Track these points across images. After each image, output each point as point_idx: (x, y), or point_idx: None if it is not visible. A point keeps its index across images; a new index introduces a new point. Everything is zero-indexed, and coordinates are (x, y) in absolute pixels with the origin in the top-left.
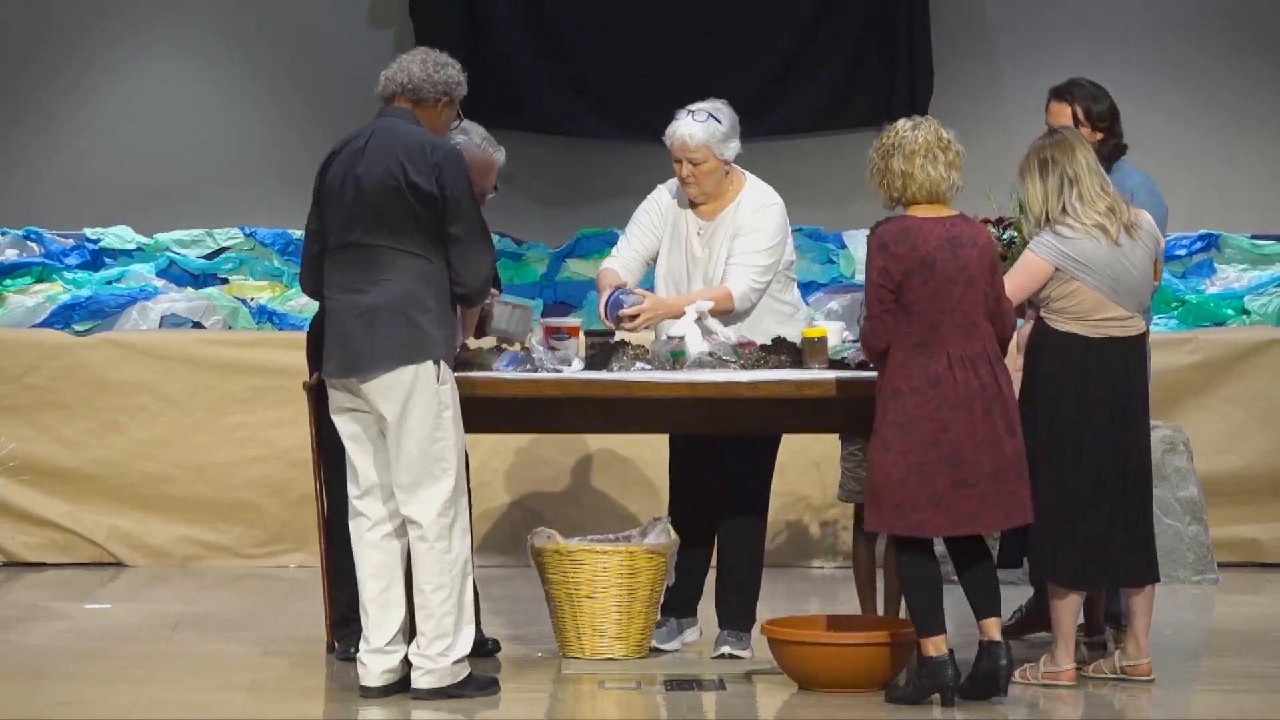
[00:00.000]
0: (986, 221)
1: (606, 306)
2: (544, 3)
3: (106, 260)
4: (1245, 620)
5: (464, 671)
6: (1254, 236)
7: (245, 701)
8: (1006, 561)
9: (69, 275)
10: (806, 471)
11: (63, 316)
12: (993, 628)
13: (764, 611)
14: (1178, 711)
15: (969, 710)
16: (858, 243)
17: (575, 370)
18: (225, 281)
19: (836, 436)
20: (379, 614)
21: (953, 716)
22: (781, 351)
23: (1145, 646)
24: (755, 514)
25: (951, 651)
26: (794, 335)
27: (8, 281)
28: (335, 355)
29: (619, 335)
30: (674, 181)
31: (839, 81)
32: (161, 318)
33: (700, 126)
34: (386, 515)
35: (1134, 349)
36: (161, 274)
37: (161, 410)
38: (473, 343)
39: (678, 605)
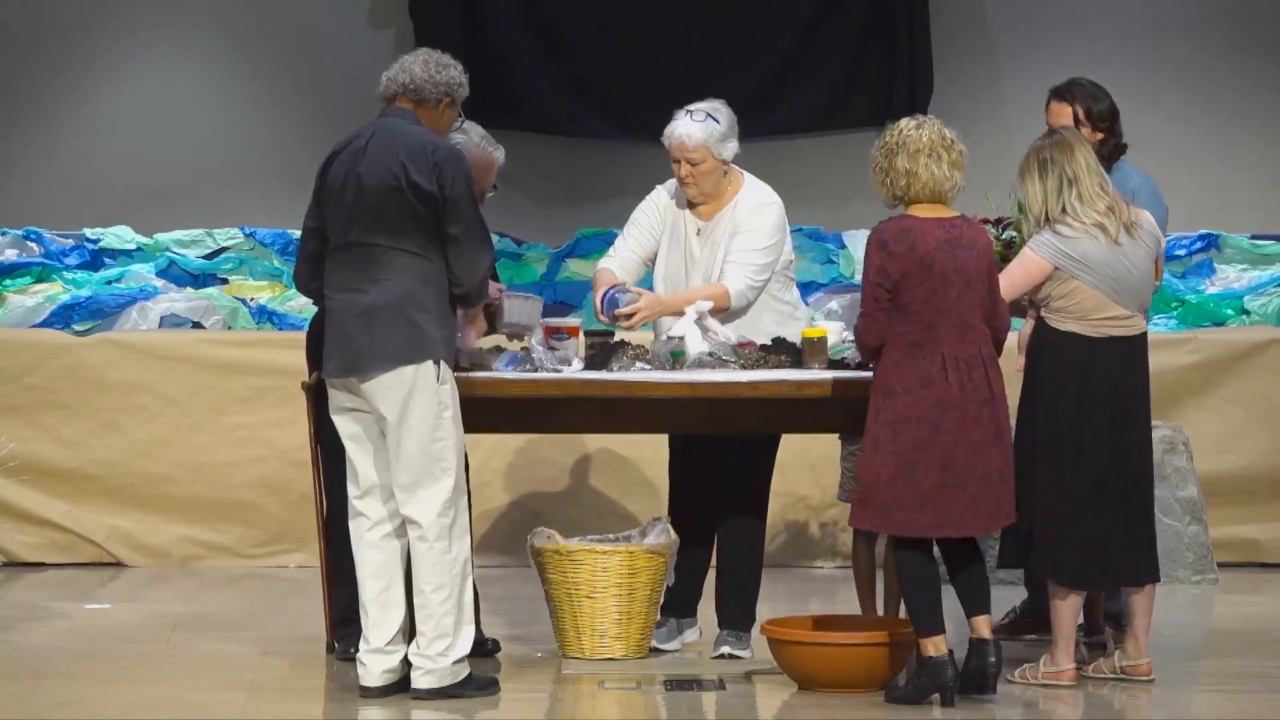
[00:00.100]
0: (986, 221)
1: (603, 304)
2: (544, 3)
3: (106, 260)
4: (1245, 620)
5: (464, 671)
6: (1254, 236)
7: (245, 701)
8: (1006, 562)
9: (69, 275)
10: (806, 471)
11: (63, 316)
12: (982, 626)
13: (764, 611)
14: (1178, 711)
15: (969, 710)
16: (857, 243)
17: (575, 370)
18: (225, 281)
19: (835, 436)
20: (379, 614)
21: (953, 716)
22: (781, 351)
23: (1145, 646)
24: (755, 514)
25: (951, 652)
26: (794, 335)
27: (8, 281)
28: (335, 355)
29: (618, 335)
30: (673, 182)
31: (839, 81)
32: (161, 318)
33: (698, 126)
34: (386, 515)
35: (1134, 348)
36: (161, 274)
37: (161, 410)
38: (486, 342)
39: (678, 605)
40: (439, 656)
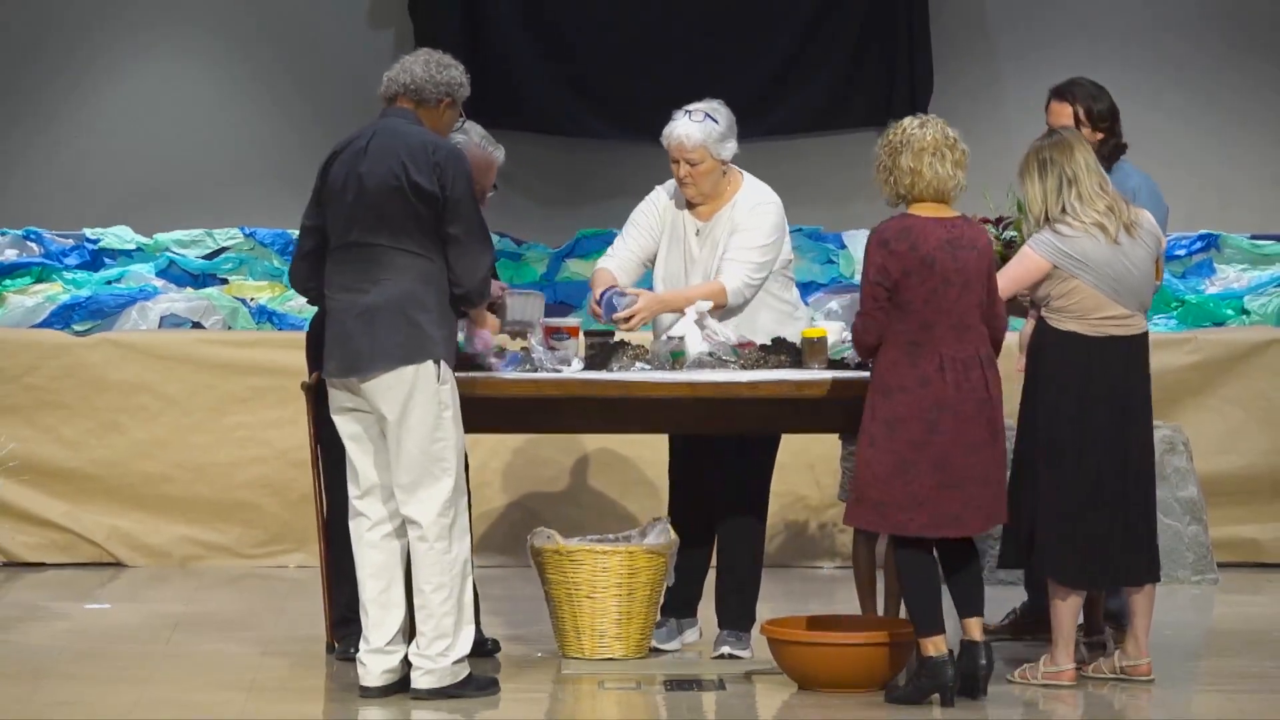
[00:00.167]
0: (985, 221)
1: (601, 308)
2: (544, 3)
3: (106, 260)
4: (1245, 620)
5: (464, 671)
6: (1254, 236)
7: (245, 701)
8: (1007, 562)
9: (69, 275)
10: (806, 471)
11: (63, 316)
12: (974, 628)
13: (764, 611)
14: (1178, 711)
15: (969, 710)
16: (857, 243)
17: (575, 370)
18: (225, 281)
19: (834, 436)
20: (379, 614)
21: (953, 716)
22: (781, 351)
23: (1145, 646)
24: (755, 514)
25: (951, 651)
26: (794, 335)
27: (8, 281)
28: (335, 355)
29: (618, 335)
30: (672, 183)
31: (839, 81)
32: (161, 318)
33: (697, 127)
34: (386, 515)
35: (1135, 348)
36: (161, 274)
37: (161, 410)
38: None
39: (678, 605)
40: (439, 656)
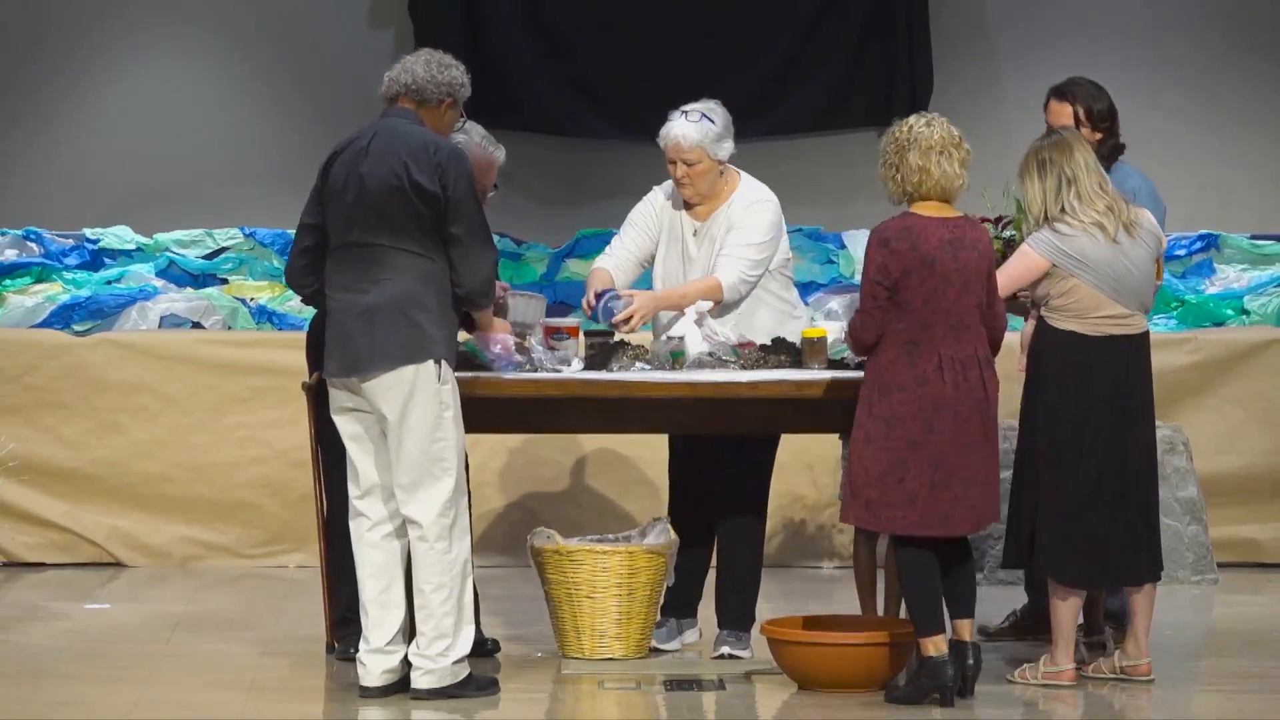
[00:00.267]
0: (985, 220)
1: (599, 312)
2: (544, 3)
3: (106, 260)
4: (1245, 620)
5: (464, 671)
6: (1253, 236)
7: (245, 701)
8: (1009, 562)
9: (69, 275)
10: (806, 472)
11: (62, 316)
12: (964, 629)
13: (764, 611)
14: (1178, 711)
15: (969, 710)
16: (857, 243)
17: (575, 370)
18: (225, 281)
19: (832, 437)
20: (379, 614)
21: (952, 716)
22: (781, 351)
23: (1145, 646)
24: (755, 514)
25: (954, 649)
26: (793, 335)
27: (8, 281)
28: (336, 355)
29: (618, 335)
30: (669, 183)
31: (839, 81)
32: (161, 318)
33: (694, 127)
34: (387, 515)
35: (1135, 347)
36: (161, 274)
37: (161, 410)
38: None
39: (678, 605)
40: (439, 656)
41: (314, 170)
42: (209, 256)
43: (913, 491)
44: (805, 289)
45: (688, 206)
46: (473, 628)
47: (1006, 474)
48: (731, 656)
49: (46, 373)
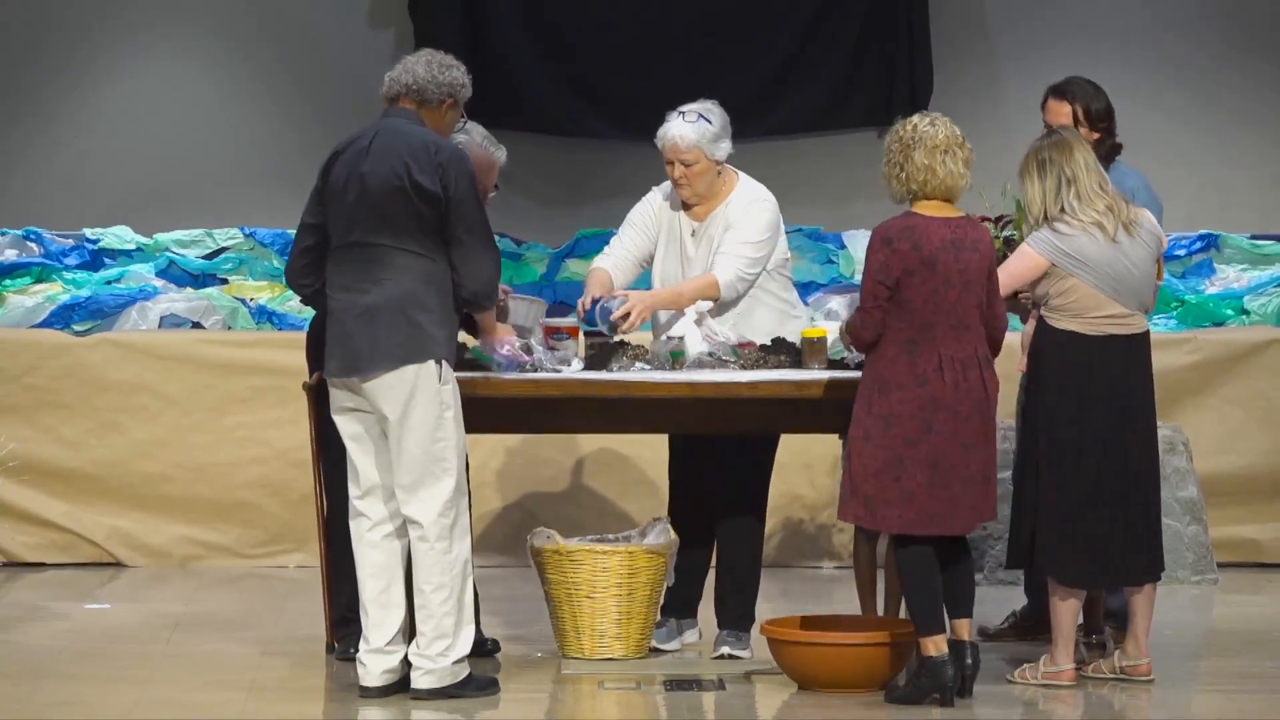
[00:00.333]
0: (985, 219)
1: (597, 317)
2: (544, 3)
3: (106, 260)
4: (1245, 620)
5: (464, 671)
6: (1253, 236)
7: (245, 701)
8: (1013, 562)
9: (69, 275)
10: (805, 472)
11: (62, 316)
12: (963, 629)
13: (764, 611)
14: (1177, 711)
15: (968, 710)
16: (857, 243)
17: (575, 370)
18: (225, 282)
19: (831, 437)
20: (379, 614)
21: (952, 716)
22: (781, 352)
23: (1145, 646)
24: (755, 514)
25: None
26: (793, 335)
27: (8, 281)
28: (336, 355)
29: (617, 335)
30: (668, 184)
31: (839, 81)
32: (161, 318)
33: (691, 128)
34: (387, 515)
35: (1135, 347)
36: (161, 274)
37: (161, 410)
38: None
39: (677, 606)
40: (439, 656)
41: (314, 170)
42: (209, 256)
43: (910, 490)
44: (805, 289)
45: (686, 207)
46: (473, 628)
47: (1005, 474)
48: (731, 656)
49: (46, 373)
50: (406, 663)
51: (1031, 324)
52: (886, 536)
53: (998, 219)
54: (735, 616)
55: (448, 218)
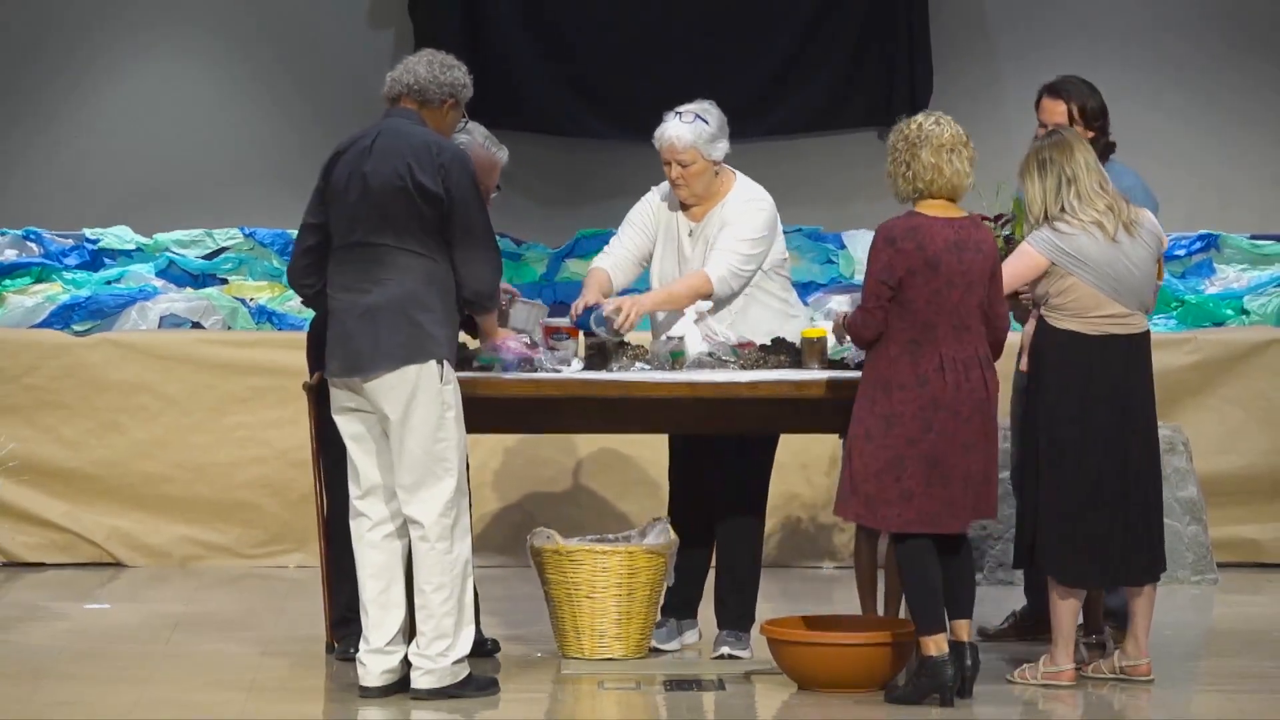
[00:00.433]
0: (985, 219)
1: (591, 323)
2: (544, 3)
3: (106, 260)
4: (1245, 620)
5: (463, 672)
6: (1253, 236)
7: (245, 701)
8: (1019, 563)
9: (68, 275)
10: (804, 472)
11: (62, 316)
12: (962, 629)
13: (764, 611)
14: (1177, 711)
15: (968, 710)
16: (857, 243)
17: (575, 370)
18: (225, 282)
19: (830, 436)
20: (379, 614)
21: (952, 716)
22: (781, 352)
23: (1145, 646)
24: (754, 514)
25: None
26: (792, 335)
27: (7, 281)
28: (338, 355)
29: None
30: (666, 184)
31: (839, 81)
32: (161, 318)
33: (687, 128)
34: (388, 515)
35: (1135, 347)
36: (161, 274)
37: (161, 410)
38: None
39: (677, 606)
40: (439, 657)
41: (314, 170)
42: (209, 256)
43: (909, 489)
44: (805, 289)
45: (684, 207)
46: (473, 628)
47: (1004, 474)
48: (731, 656)
49: (46, 373)
50: (406, 663)
51: (1031, 324)
52: (887, 536)
53: (997, 217)
54: (735, 616)
55: (449, 219)
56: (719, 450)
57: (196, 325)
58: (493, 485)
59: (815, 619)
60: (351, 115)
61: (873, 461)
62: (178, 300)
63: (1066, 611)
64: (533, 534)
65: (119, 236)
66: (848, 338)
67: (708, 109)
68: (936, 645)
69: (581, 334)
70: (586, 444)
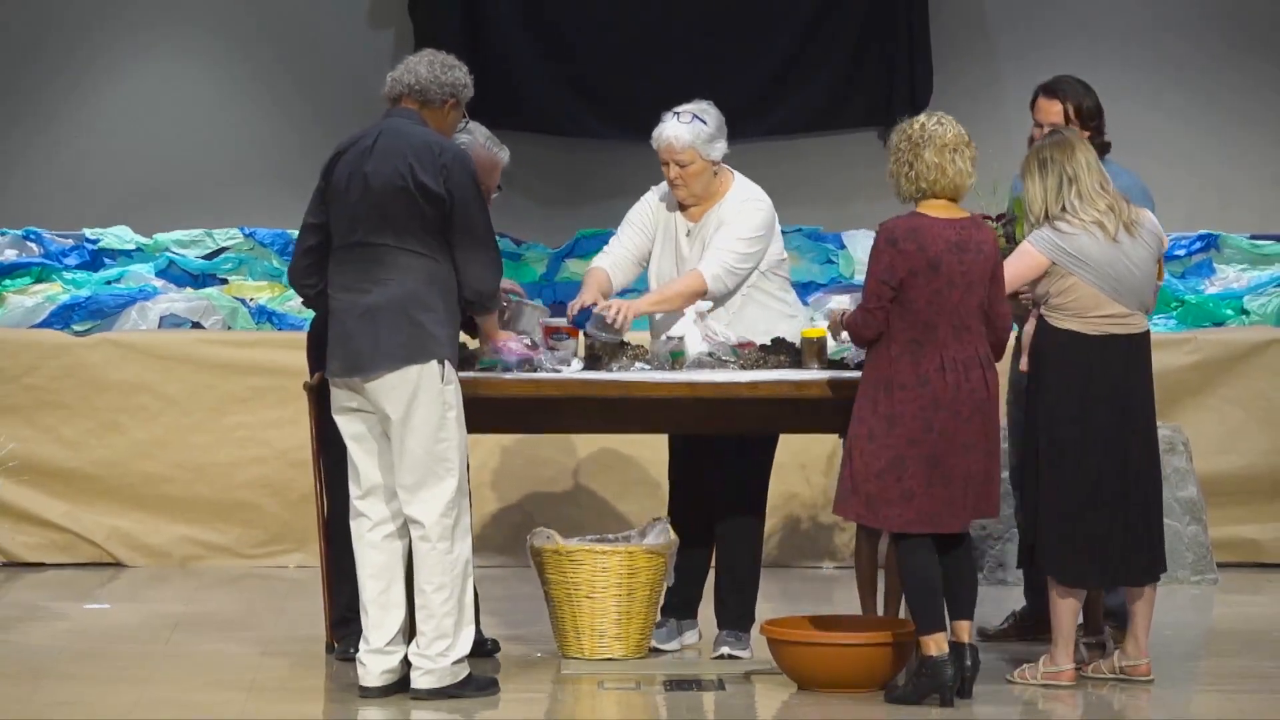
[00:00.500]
0: (986, 218)
1: (588, 326)
2: (544, 3)
3: (106, 260)
4: (1245, 620)
5: (463, 672)
6: (1253, 236)
7: (245, 701)
8: (1022, 563)
9: (68, 275)
10: (804, 472)
11: (62, 316)
12: (963, 630)
13: (764, 611)
14: (1177, 711)
15: (968, 710)
16: (857, 243)
17: (575, 370)
18: (224, 282)
19: (830, 436)
20: (379, 614)
21: (952, 716)
22: (780, 352)
23: (1145, 646)
24: (754, 514)
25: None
26: (792, 335)
27: (7, 281)
28: (338, 355)
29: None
30: (665, 185)
31: (839, 81)
32: (161, 318)
33: (686, 128)
34: (388, 515)
35: (1135, 347)
36: (161, 274)
37: (161, 410)
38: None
39: (677, 606)
40: (439, 657)
41: (314, 170)
42: (209, 256)
43: (910, 489)
44: (805, 289)
45: (682, 208)
46: (473, 628)
47: (1004, 474)
48: (731, 657)
49: (46, 373)
50: (406, 663)
51: (1032, 324)
52: (887, 536)
53: (998, 217)
54: (735, 616)
55: (451, 219)
56: (719, 450)
57: (196, 325)
58: (492, 485)
59: (815, 619)
60: (351, 115)
61: (874, 461)
62: (178, 300)
63: (1066, 611)
64: (533, 534)
65: (119, 236)
66: (843, 334)
67: (706, 109)
68: (936, 645)
69: (581, 334)
70: (586, 444)
